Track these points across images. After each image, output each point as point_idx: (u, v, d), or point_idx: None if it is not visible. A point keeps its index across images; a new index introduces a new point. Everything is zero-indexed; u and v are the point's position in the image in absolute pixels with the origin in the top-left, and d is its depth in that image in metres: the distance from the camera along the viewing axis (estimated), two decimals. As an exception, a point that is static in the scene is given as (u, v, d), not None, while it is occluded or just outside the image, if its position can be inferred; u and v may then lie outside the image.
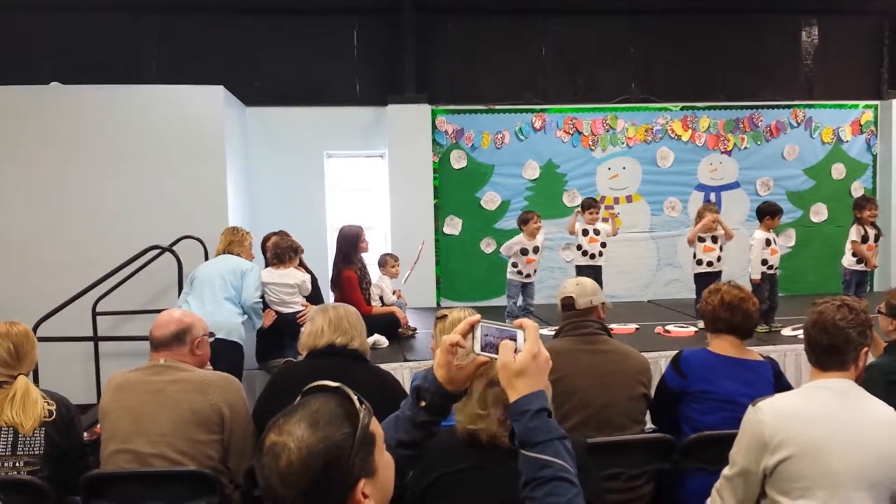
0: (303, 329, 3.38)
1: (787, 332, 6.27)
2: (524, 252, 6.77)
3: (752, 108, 9.12)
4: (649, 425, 3.49)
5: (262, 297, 5.49)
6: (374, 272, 6.70)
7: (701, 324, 4.80)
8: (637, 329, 6.61)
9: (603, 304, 3.60)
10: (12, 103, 6.94)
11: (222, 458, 3.07)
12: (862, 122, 9.24)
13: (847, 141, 9.24)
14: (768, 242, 6.47)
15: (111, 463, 2.99)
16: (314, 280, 5.98)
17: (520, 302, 6.95)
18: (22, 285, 6.68)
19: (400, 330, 6.43)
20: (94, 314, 6.37)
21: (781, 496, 2.30)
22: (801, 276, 9.00)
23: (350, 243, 6.27)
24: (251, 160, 8.52)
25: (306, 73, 8.80)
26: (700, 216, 6.86)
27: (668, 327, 6.64)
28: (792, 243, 9.18)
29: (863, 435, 2.27)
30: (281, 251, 5.62)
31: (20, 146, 6.91)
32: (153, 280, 6.55)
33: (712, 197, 9.03)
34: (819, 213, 9.25)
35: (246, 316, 5.34)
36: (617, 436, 3.18)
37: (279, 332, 5.54)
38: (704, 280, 6.37)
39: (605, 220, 7.41)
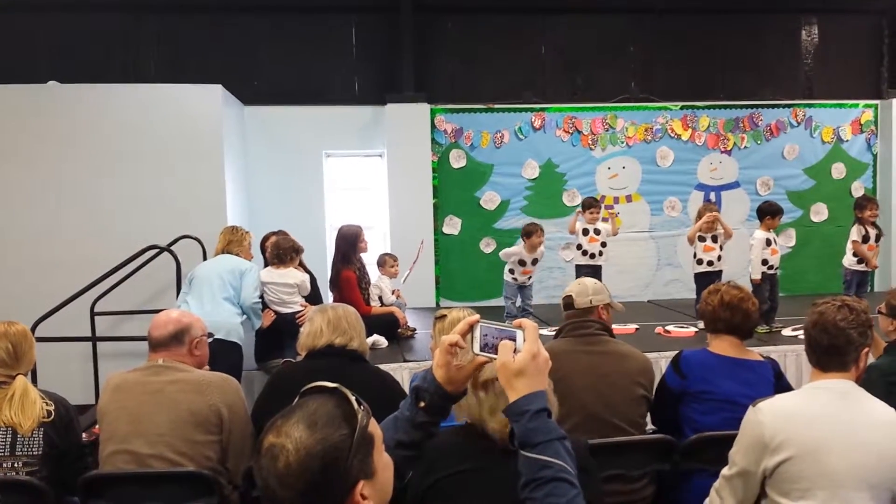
0: (301, 329, 3.37)
1: (787, 332, 6.26)
2: (522, 263, 6.79)
3: (751, 107, 9.12)
4: (650, 426, 3.48)
5: (262, 297, 5.48)
6: (373, 272, 6.69)
7: (701, 324, 4.79)
8: (637, 329, 6.60)
9: (608, 304, 3.59)
10: (10, 102, 6.93)
11: (221, 458, 3.07)
12: (862, 122, 9.24)
13: (847, 140, 9.23)
14: (769, 242, 6.46)
15: (109, 463, 2.98)
16: (313, 280, 5.97)
17: (518, 302, 6.95)
18: (20, 285, 6.67)
19: (399, 330, 6.42)
20: (93, 314, 6.36)
21: (781, 497, 2.30)
22: (801, 276, 9.00)
23: (349, 243, 6.26)
24: (249, 159, 8.51)
25: (305, 72, 8.79)
26: (700, 216, 6.86)
27: (668, 327, 6.63)
28: (792, 243, 9.17)
29: (863, 436, 2.27)
30: (283, 252, 5.61)
31: (18, 145, 6.90)
32: (151, 280, 6.55)
33: (712, 196, 9.03)
34: (819, 212, 9.25)
35: (245, 316, 5.33)
36: (616, 437, 3.17)
37: (278, 333, 5.53)
38: (704, 280, 6.37)
39: (604, 219, 7.41)
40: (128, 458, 2.94)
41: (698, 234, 6.80)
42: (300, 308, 5.57)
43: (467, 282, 8.81)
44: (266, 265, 5.92)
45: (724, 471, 2.47)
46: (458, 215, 8.79)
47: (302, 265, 5.90)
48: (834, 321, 2.44)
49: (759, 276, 6.41)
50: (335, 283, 6.25)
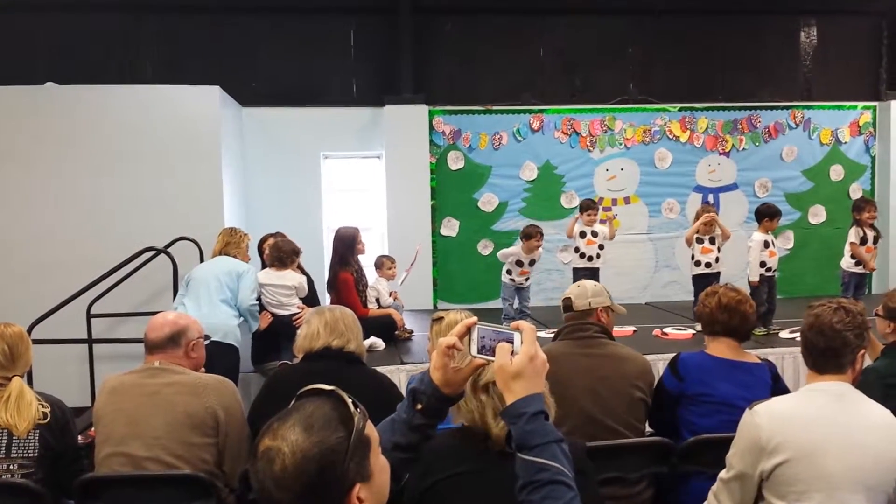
0: (298, 331, 3.37)
1: (785, 334, 6.26)
2: (519, 264, 6.79)
3: (750, 109, 9.13)
4: (649, 430, 3.47)
5: (259, 299, 5.47)
6: (370, 274, 6.68)
7: (699, 326, 4.79)
8: (635, 331, 6.60)
9: (608, 307, 3.58)
10: (8, 103, 6.92)
11: (217, 461, 3.06)
12: (860, 124, 9.25)
13: (845, 142, 9.24)
14: (767, 244, 6.47)
15: (105, 466, 2.97)
16: (310, 282, 5.97)
17: (516, 304, 6.94)
18: (16, 287, 6.66)
19: (396, 332, 6.43)
20: (89, 316, 6.34)
21: (778, 500, 2.30)
22: (799, 278, 9.00)
23: (346, 245, 6.26)
24: (247, 161, 8.50)
25: (303, 73, 8.78)
26: (698, 217, 6.87)
27: (665, 330, 6.63)
28: (790, 245, 9.18)
29: (859, 438, 2.27)
30: (284, 254, 5.61)
31: (15, 146, 6.89)
32: (148, 282, 6.55)
33: (710, 198, 9.02)
34: (817, 214, 9.25)
35: (242, 318, 5.32)
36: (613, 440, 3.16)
37: (275, 335, 5.52)
38: (702, 281, 6.38)
39: (602, 222, 7.41)
40: (124, 461, 2.93)
41: (696, 235, 6.80)
42: (297, 310, 5.56)
43: (465, 284, 8.80)
44: (263, 267, 5.92)
45: (722, 474, 2.47)
46: (456, 217, 8.79)
47: (299, 267, 5.90)
48: (830, 323, 2.44)
49: (757, 279, 6.41)
50: (332, 285, 6.25)
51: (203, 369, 3.29)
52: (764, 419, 2.34)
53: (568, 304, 3.53)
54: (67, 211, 6.91)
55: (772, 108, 9.15)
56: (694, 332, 6.36)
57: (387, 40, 8.82)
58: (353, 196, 9.13)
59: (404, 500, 2.03)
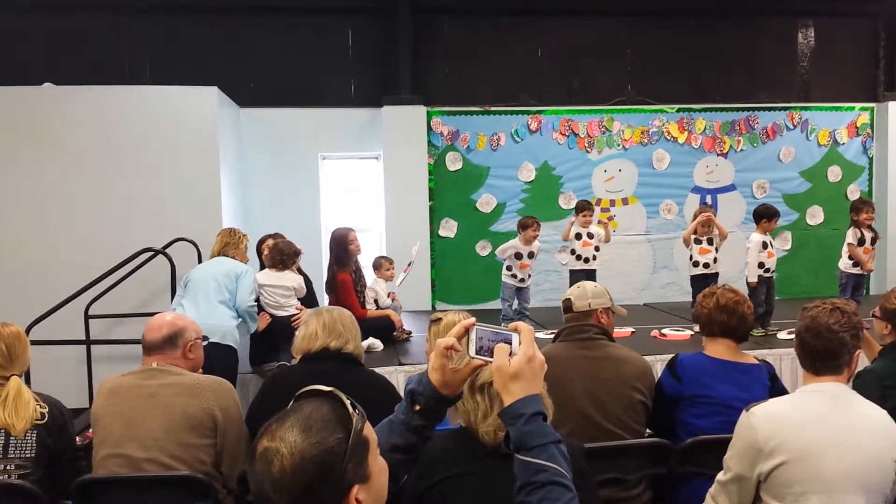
0: (297, 333, 3.36)
1: (783, 335, 6.27)
2: (518, 256, 6.79)
3: (748, 110, 9.14)
4: (648, 431, 3.46)
5: (257, 300, 5.47)
6: (368, 275, 6.68)
7: (697, 327, 4.80)
8: (633, 332, 6.60)
9: (609, 308, 3.58)
10: (4, 104, 6.89)
11: (215, 462, 3.05)
12: (858, 125, 9.26)
13: (843, 143, 9.25)
14: (765, 245, 6.48)
15: (103, 467, 2.96)
16: (308, 283, 5.97)
17: (515, 305, 6.95)
18: (13, 288, 6.65)
19: (395, 333, 6.43)
20: (87, 317, 6.35)
21: (776, 501, 2.30)
22: (797, 279, 9.01)
23: (340, 245, 6.28)
24: (245, 162, 8.50)
25: (301, 74, 8.78)
26: (696, 218, 6.88)
27: (664, 331, 6.63)
28: (788, 246, 9.19)
29: (856, 438, 2.27)
30: (285, 256, 5.61)
31: (12, 147, 6.88)
32: (146, 283, 6.53)
33: (708, 199, 9.03)
34: (815, 215, 9.26)
35: (240, 319, 5.31)
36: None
37: (273, 336, 5.52)
38: (700, 282, 6.39)
39: (601, 222, 7.41)
40: (122, 462, 2.93)
41: (694, 236, 6.81)
42: (296, 311, 5.56)
43: (463, 285, 8.80)
44: (262, 268, 5.91)
45: (719, 476, 2.47)
46: (454, 218, 8.79)
47: (297, 268, 5.90)
48: (827, 325, 2.44)
49: (755, 279, 6.42)
50: (331, 286, 6.26)
51: (201, 370, 3.29)
52: (761, 421, 2.33)
53: (568, 306, 3.53)
54: (65, 212, 6.90)
55: (769, 109, 9.17)
56: (692, 333, 6.36)
57: (385, 41, 8.82)
58: (351, 197, 9.13)
59: (403, 502, 2.03)
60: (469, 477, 2.03)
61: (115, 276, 6.18)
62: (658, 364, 4.89)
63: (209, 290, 5.19)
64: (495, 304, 7.61)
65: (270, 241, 6.02)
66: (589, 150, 8.92)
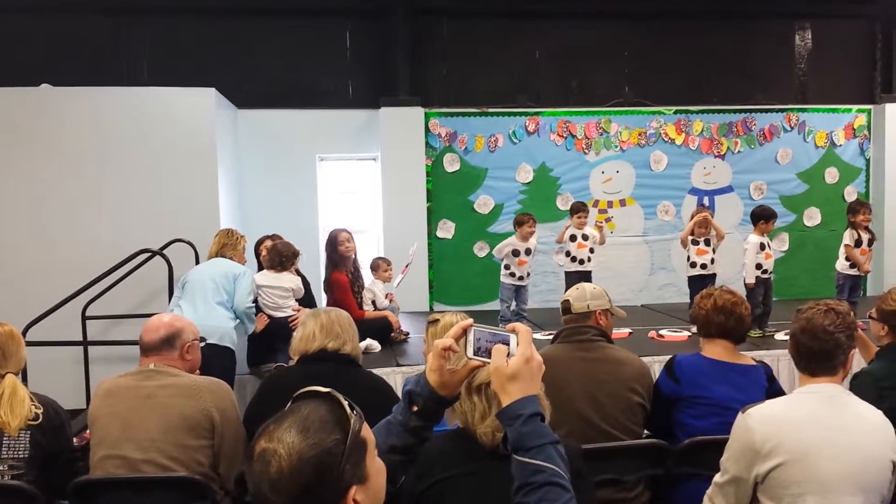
0: (294, 334, 3.36)
1: (780, 336, 6.27)
2: (516, 254, 6.78)
3: (745, 111, 9.15)
4: (646, 433, 3.47)
5: (255, 301, 5.46)
6: (366, 276, 6.68)
7: (694, 328, 4.80)
8: (630, 333, 6.60)
9: (607, 310, 3.58)
10: (2, 105, 6.88)
11: (213, 463, 3.05)
12: (855, 127, 9.28)
13: (840, 145, 9.27)
14: (763, 246, 6.49)
15: (100, 469, 2.96)
16: (306, 284, 5.97)
17: (513, 306, 6.94)
18: (11, 289, 6.63)
19: (392, 334, 6.43)
20: (84, 318, 6.34)
21: (773, 503, 2.30)
22: (794, 280, 9.02)
23: (331, 246, 6.29)
24: (243, 163, 8.49)
25: (299, 75, 8.77)
26: (693, 219, 6.89)
27: (661, 332, 6.63)
28: (785, 248, 9.20)
29: (852, 439, 2.28)
30: (284, 258, 5.61)
31: (10, 148, 6.86)
32: (143, 284, 6.53)
33: (706, 201, 9.04)
34: (812, 217, 9.27)
35: (238, 320, 5.31)
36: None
37: (271, 337, 5.52)
38: (698, 283, 6.40)
39: (597, 224, 7.42)
40: (119, 464, 2.92)
41: (691, 237, 6.82)
42: (293, 312, 5.55)
43: (461, 286, 8.80)
44: (260, 269, 5.91)
45: (717, 478, 2.47)
46: (451, 219, 8.79)
47: (295, 269, 5.90)
48: (823, 326, 2.44)
49: (753, 280, 6.42)
50: (327, 286, 6.28)
51: (199, 371, 3.29)
52: (757, 423, 2.34)
53: (567, 307, 3.53)
54: (62, 212, 6.88)
55: (767, 110, 9.18)
56: (690, 334, 6.36)
57: (383, 42, 8.81)
58: (348, 198, 9.13)
59: (401, 503, 2.03)
60: (467, 478, 2.03)
61: (113, 277, 6.18)
62: (656, 365, 4.90)
63: (207, 291, 5.18)
64: (493, 306, 7.60)
65: (268, 243, 6.02)
66: (586, 151, 8.93)
